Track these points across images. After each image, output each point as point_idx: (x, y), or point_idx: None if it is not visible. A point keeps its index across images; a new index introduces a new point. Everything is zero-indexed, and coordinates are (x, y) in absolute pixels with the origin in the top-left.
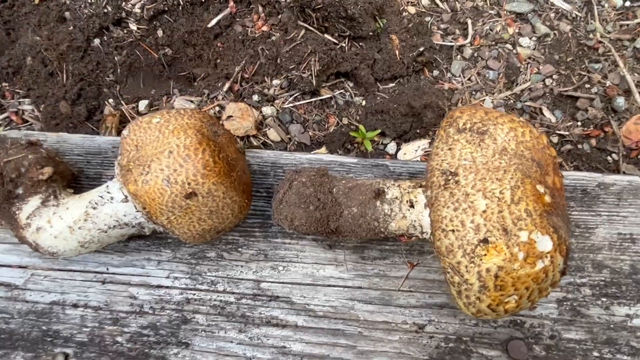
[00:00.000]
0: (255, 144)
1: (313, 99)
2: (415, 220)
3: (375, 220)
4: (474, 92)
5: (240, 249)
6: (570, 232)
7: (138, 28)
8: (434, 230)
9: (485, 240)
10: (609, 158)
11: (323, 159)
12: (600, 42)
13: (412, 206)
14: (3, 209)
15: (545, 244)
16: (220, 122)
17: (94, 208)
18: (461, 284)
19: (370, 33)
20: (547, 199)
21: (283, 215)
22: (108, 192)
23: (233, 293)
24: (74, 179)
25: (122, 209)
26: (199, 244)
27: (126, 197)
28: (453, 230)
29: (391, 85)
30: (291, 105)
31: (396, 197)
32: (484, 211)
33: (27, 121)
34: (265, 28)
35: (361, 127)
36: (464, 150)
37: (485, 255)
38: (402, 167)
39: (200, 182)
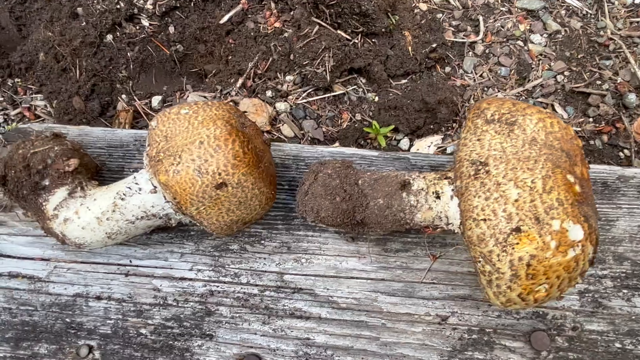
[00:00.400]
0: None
1: (326, 95)
2: (441, 212)
3: (402, 211)
4: (486, 89)
5: (263, 242)
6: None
7: (150, 24)
8: (464, 220)
9: (517, 229)
10: (620, 154)
11: (345, 152)
12: (610, 39)
13: (438, 197)
14: (30, 201)
15: (576, 232)
16: None
17: (122, 199)
18: (492, 272)
19: (383, 29)
20: (578, 188)
21: (309, 207)
22: (136, 183)
23: (256, 285)
24: (97, 171)
25: (150, 200)
26: (225, 236)
27: (155, 188)
28: (485, 220)
29: (403, 81)
30: (304, 101)
31: (422, 189)
32: (516, 200)
33: (39, 117)
34: (277, 24)
35: (374, 122)
36: (493, 140)
37: (517, 243)
38: (423, 160)
39: (231, 173)
